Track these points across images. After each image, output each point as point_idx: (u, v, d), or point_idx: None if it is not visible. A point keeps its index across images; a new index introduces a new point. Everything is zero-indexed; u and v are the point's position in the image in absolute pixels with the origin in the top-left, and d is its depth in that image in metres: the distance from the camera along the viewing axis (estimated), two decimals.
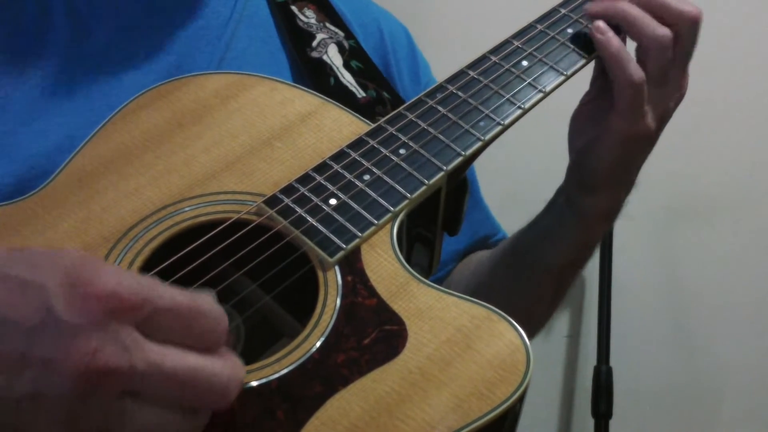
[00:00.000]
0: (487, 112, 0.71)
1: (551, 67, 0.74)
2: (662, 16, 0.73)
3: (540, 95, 0.73)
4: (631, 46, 0.75)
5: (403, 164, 0.67)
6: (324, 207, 0.64)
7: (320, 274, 0.61)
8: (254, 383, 0.54)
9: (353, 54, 0.89)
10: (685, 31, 0.73)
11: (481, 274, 0.92)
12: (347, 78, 0.86)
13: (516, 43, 0.76)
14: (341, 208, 0.64)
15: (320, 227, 0.63)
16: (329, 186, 0.66)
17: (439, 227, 0.74)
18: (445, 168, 0.67)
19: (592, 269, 1.62)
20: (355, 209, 0.64)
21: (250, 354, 0.58)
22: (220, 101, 0.73)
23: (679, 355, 1.78)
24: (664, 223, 1.71)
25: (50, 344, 0.44)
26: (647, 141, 0.76)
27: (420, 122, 0.70)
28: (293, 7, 0.90)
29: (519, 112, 0.71)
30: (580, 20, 0.77)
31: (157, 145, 0.69)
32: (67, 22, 0.79)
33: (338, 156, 0.68)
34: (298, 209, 0.64)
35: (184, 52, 0.82)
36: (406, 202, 0.65)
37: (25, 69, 0.76)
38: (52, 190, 0.66)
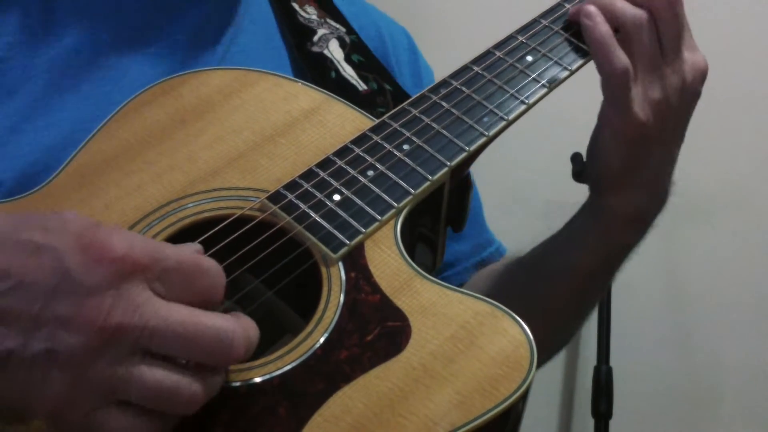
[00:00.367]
0: (491, 107, 0.71)
1: (555, 62, 0.74)
2: (636, 1, 0.73)
3: (544, 90, 0.72)
4: None
5: (407, 160, 0.67)
6: (327, 203, 0.64)
7: (323, 270, 0.61)
8: (257, 380, 0.54)
9: (354, 48, 0.88)
10: (663, 13, 0.72)
11: (499, 284, 0.90)
12: (348, 71, 0.86)
13: (520, 38, 0.76)
14: (345, 203, 0.64)
15: (324, 223, 0.63)
16: (333, 182, 0.65)
17: (442, 223, 0.74)
18: (448, 163, 0.67)
19: None
20: (359, 205, 0.64)
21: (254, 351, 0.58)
22: (223, 97, 0.73)
23: (679, 355, 1.78)
24: (664, 223, 1.71)
25: (66, 304, 0.46)
26: (642, 133, 0.73)
27: (424, 118, 0.70)
28: (294, 4, 0.90)
29: (523, 107, 0.71)
30: None
31: (159, 142, 0.69)
32: (71, 19, 0.79)
33: (342, 151, 0.68)
34: (301, 205, 0.64)
35: (187, 48, 0.81)
36: (410, 197, 0.65)
37: (29, 65, 0.76)
38: (55, 187, 0.66)
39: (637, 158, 0.76)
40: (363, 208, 0.64)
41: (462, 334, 0.56)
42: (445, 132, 0.69)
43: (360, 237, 0.62)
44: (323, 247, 0.61)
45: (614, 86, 0.71)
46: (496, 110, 0.71)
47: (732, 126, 1.74)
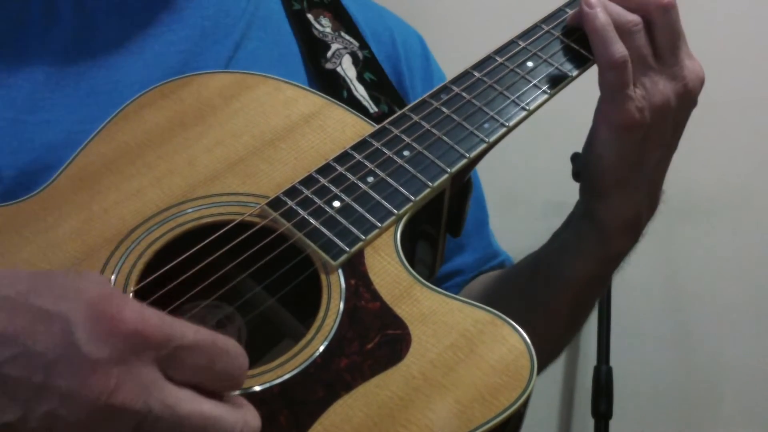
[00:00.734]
0: (491, 113, 0.71)
1: (556, 68, 0.73)
2: (629, 6, 0.72)
3: (545, 96, 0.72)
4: None
5: (407, 166, 0.67)
6: (327, 209, 0.64)
7: (323, 277, 0.60)
8: (257, 388, 0.54)
9: (367, 65, 0.88)
10: (657, 18, 0.72)
11: (494, 291, 0.89)
12: (360, 91, 0.85)
13: (521, 44, 0.75)
14: (345, 210, 0.64)
15: (323, 230, 0.62)
16: (333, 188, 0.65)
17: (442, 229, 0.74)
18: (449, 170, 0.67)
19: None
20: (359, 212, 0.64)
21: (253, 356, 0.57)
22: (223, 101, 0.73)
23: (679, 355, 1.78)
24: (664, 223, 1.71)
25: (70, 377, 0.44)
26: (643, 134, 0.73)
27: (424, 123, 0.70)
28: (309, 15, 0.89)
29: (524, 113, 0.71)
30: None
31: (159, 145, 0.69)
32: (74, 16, 0.79)
33: (342, 157, 0.67)
34: (301, 211, 0.63)
35: (190, 49, 0.81)
36: (410, 204, 0.65)
37: (31, 60, 0.76)
38: (54, 190, 0.66)
39: (638, 156, 0.75)
40: (363, 215, 0.64)
41: (462, 343, 0.56)
42: (445, 138, 0.69)
43: (360, 244, 0.62)
44: (323, 254, 0.61)
45: (613, 77, 0.71)
46: (496, 116, 0.70)
47: (732, 127, 1.74)
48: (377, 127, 0.70)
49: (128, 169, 0.67)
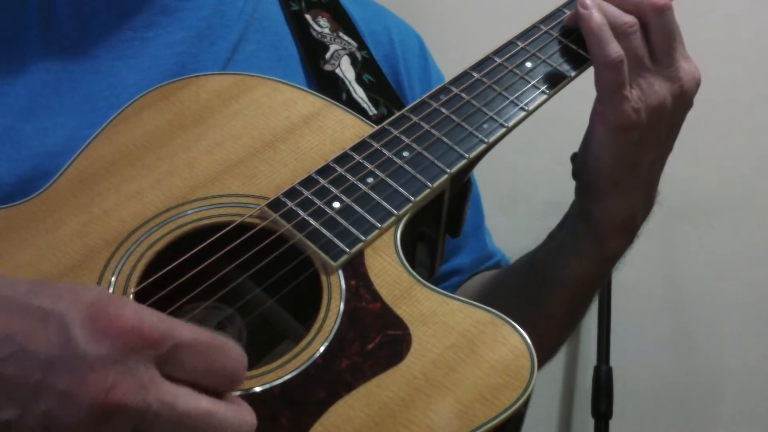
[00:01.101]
0: (491, 114, 0.71)
1: (555, 68, 0.74)
2: (624, 7, 0.73)
3: (544, 97, 0.72)
4: None
5: (407, 167, 0.67)
6: (327, 210, 0.64)
7: (323, 278, 0.60)
8: (257, 389, 0.54)
9: (365, 66, 0.88)
10: (652, 20, 0.72)
11: (491, 290, 0.90)
12: (359, 93, 0.85)
13: (520, 45, 0.75)
14: (345, 211, 0.64)
15: (324, 231, 0.62)
16: (332, 189, 0.65)
17: (442, 230, 0.74)
18: (449, 170, 0.67)
19: None
20: (359, 212, 0.64)
21: (253, 357, 0.58)
22: (222, 102, 0.73)
23: (679, 355, 1.78)
24: (663, 223, 1.71)
25: (67, 376, 0.44)
26: (635, 132, 0.73)
27: (424, 124, 0.70)
28: (307, 16, 0.89)
29: (523, 114, 0.71)
30: None
31: (158, 147, 0.69)
32: (70, 21, 0.79)
33: (341, 158, 0.67)
34: (301, 212, 0.63)
35: (187, 51, 0.81)
36: (410, 205, 0.65)
37: (27, 65, 0.76)
38: (54, 192, 0.66)
39: (633, 156, 0.75)
40: (363, 215, 0.64)
41: (462, 343, 0.56)
42: (445, 139, 0.69)
43: (360, 245, 0.62)
44: (323, 255, 0.61)
45: (608, 78, 0.71)
46: (495, 117, 0.70)
47: (732, 127, 1.74)
48: (377, 128, 0.70)
49: (128, 171, 0.67)
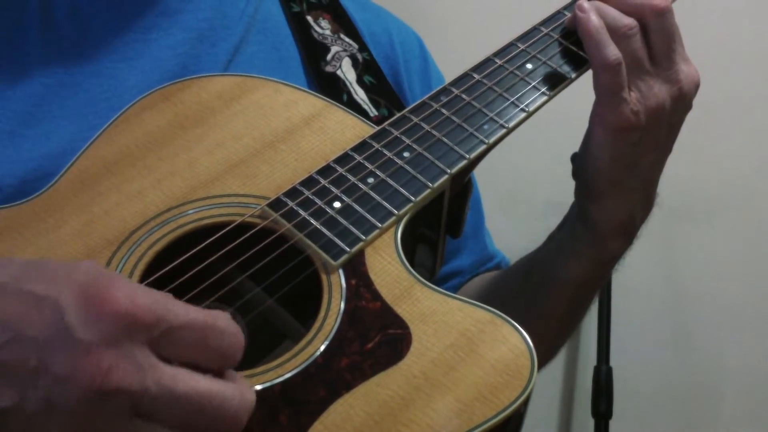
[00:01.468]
0: (491, 115, 0.71)
1: (556, 70, 0.74)
2: (624, 9, 0.73)
3: (544, 98, 0.72)
4: None
5: (407, 167, 0.67)
6: (328, 210, 0.64)
7: (324, 277, 0.61)
8: (257, 387, 0.54)
9: (366, 68, 0.88)
10: (652, 22, 0.72)
11: (491, 292, 0.90)
12: (360, 95, 0.86)
13: (520, 46, 0.76)
14: (345, 211, 0.64)
15: (324, 230, 0.63)
16: (333, 189, 0.65)
17: (442, 230, 0.74)
18: (449, 171, 0.67)
19: None
20: (360, 212, 0.64)
21: (253, 357, 0.58)
22: (223, 103, 0.73)
23: (679, 355, 1.78)
24: (663, 224, 1.72)
25: (63, 360, 0.44)
26: (634, 134, 0.73)
27: (424, 125, 0.70)
28: (308, 17, 0.89)
29: (523, 115, 0.71)
30: None
31: (159, 148, 0.69)
32: (69, 24, 0.79)
33: (342, 159, 0.68)
34: (302, 212, 0.64)
35: (188, 52, 0.81)
36: (410, 205, 0.65)
37: (28, 68, 0.76)
38: (55, 192, 0.66)
39: (632, 158, 0.75)
40: (363, 215, 0.64)
41: (462, 342, 0.56)
42: (445, 139, 0.69)
43: (360, 244, 0.62)
44: (324, 255, 0.61)
45: (607, 80, 0.71)
46: (496, 118, 0.71)
47: (732, 127, 1.75)
48: (377, 128, 0.70)
49: (129, 171, 0.68)
